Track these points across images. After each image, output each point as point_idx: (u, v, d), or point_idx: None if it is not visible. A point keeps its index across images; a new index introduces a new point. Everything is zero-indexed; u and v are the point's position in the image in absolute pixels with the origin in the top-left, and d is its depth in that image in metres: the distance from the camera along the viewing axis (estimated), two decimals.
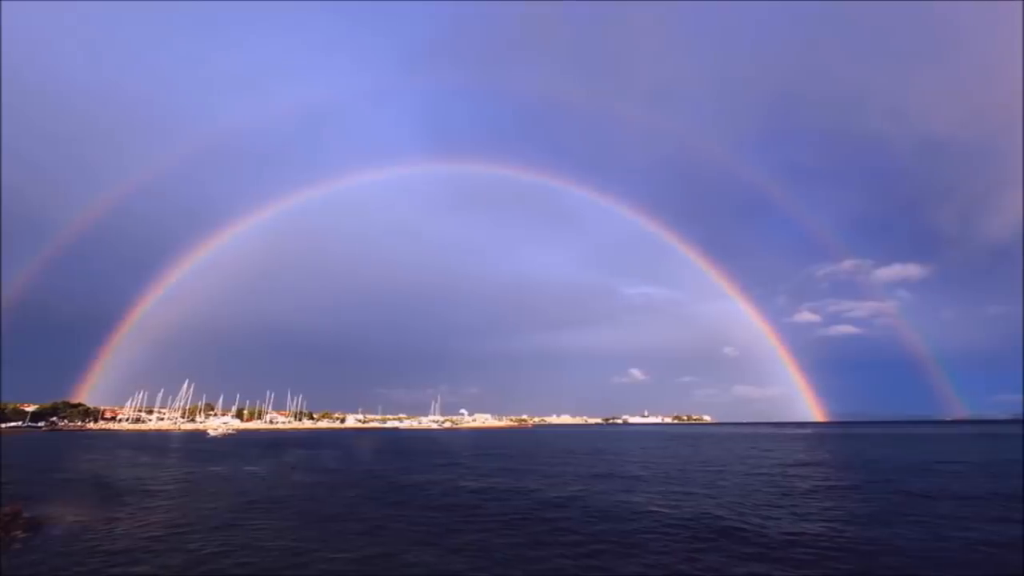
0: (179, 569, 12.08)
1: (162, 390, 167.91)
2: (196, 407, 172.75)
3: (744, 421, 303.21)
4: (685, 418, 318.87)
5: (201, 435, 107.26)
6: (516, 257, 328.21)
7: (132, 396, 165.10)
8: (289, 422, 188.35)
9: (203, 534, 15.47)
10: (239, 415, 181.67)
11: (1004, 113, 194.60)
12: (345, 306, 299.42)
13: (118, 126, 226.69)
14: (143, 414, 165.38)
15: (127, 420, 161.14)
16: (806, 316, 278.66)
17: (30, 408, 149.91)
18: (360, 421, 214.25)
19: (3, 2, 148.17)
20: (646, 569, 11.90)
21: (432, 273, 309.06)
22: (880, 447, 58.81)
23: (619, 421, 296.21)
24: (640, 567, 12.03)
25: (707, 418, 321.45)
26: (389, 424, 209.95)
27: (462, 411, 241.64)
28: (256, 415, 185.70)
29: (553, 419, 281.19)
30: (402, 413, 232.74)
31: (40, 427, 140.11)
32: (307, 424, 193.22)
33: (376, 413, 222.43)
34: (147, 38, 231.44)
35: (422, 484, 26.98)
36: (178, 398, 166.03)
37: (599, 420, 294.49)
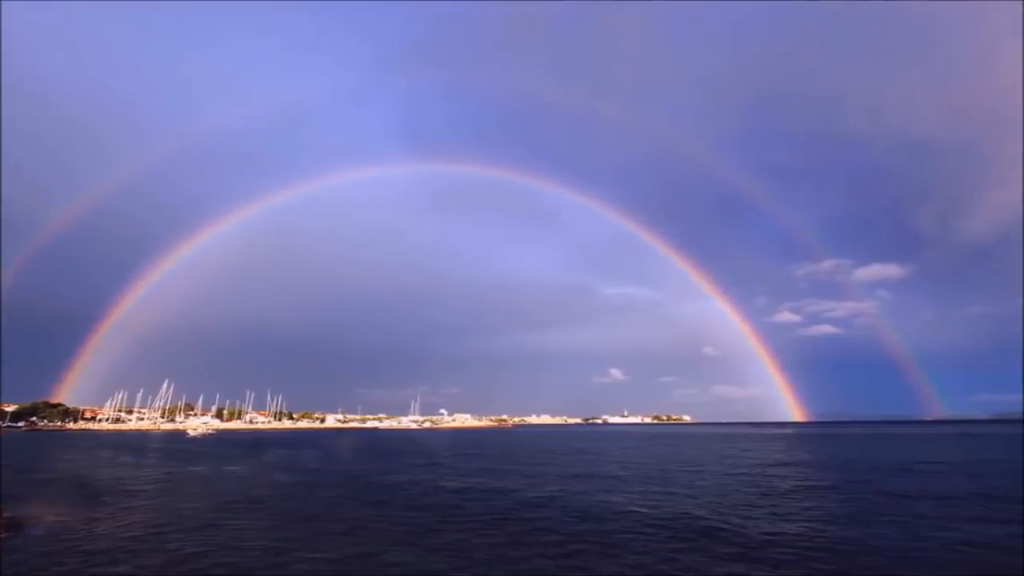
0: (158, 569, 12.18)
1: (142, 390, 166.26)
2: (176, 407, 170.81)
3: (724, 421, 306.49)
4: (665, 418, 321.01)
5: (181, 435, 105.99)
6: (497, 257, 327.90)
7: (112, 396, 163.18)
8: (269, 422, 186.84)
9: (183, 534, 15.54)
10: (219, 415, 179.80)
11: (984, 113, 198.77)
12: (326, 306, 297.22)
13: (98, 125, 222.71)
14: (123, 414, 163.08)
15: (107, 420, 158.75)
16: (786, 316, 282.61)
17: (10, 408, 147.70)
18: (340, 421, 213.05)
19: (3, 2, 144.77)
20: (625, 569, 12.16)
21: (413, 273, 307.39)
22: (860, 447, 59.89)
23: (599, 421, 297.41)
24: (619, 567, 12.29)
25: (687, 418, 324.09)
26: (369, 424, 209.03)
27: (442, 411, 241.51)
28: (236, 415, 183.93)
29: (533, 419, 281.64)
30: (382, 413, 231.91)
31: (20, 427, 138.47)
32: (287, 424, 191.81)
33: (356, 413, 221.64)
34: (128, 38, 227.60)
35: (402, 484, 27.13)
36: (158, 398, 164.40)
37: (579, 420, 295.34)
